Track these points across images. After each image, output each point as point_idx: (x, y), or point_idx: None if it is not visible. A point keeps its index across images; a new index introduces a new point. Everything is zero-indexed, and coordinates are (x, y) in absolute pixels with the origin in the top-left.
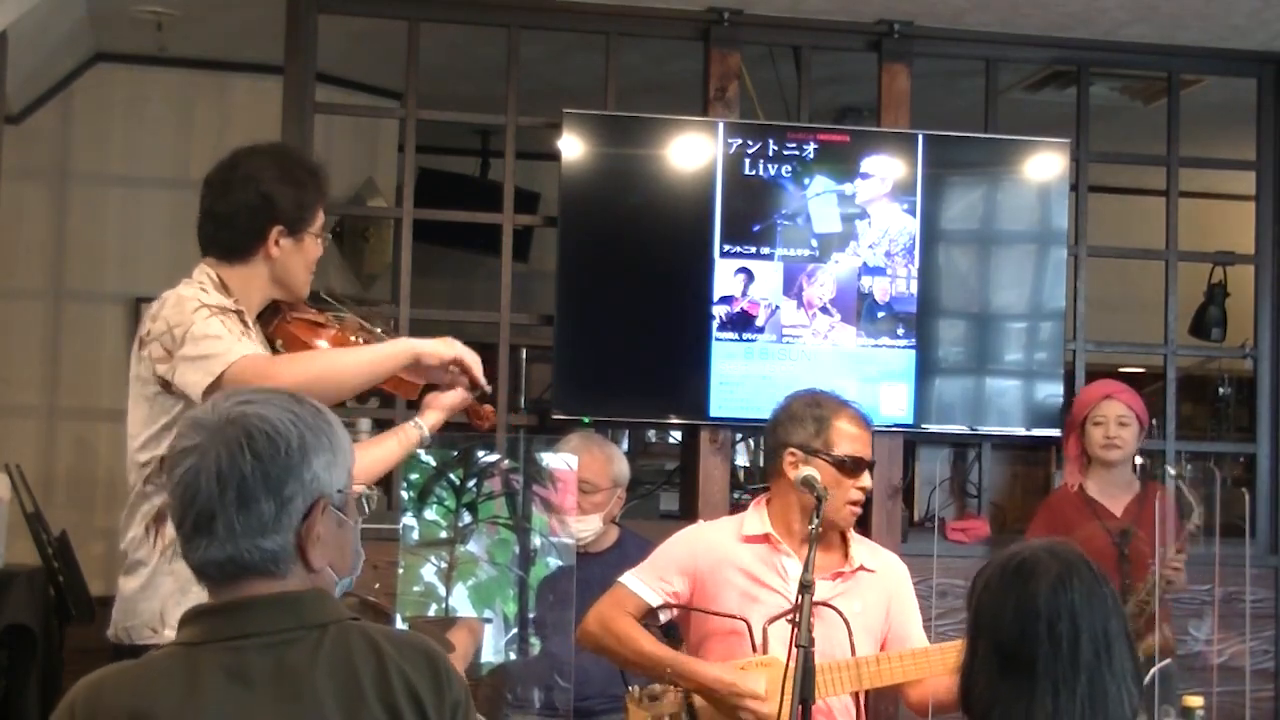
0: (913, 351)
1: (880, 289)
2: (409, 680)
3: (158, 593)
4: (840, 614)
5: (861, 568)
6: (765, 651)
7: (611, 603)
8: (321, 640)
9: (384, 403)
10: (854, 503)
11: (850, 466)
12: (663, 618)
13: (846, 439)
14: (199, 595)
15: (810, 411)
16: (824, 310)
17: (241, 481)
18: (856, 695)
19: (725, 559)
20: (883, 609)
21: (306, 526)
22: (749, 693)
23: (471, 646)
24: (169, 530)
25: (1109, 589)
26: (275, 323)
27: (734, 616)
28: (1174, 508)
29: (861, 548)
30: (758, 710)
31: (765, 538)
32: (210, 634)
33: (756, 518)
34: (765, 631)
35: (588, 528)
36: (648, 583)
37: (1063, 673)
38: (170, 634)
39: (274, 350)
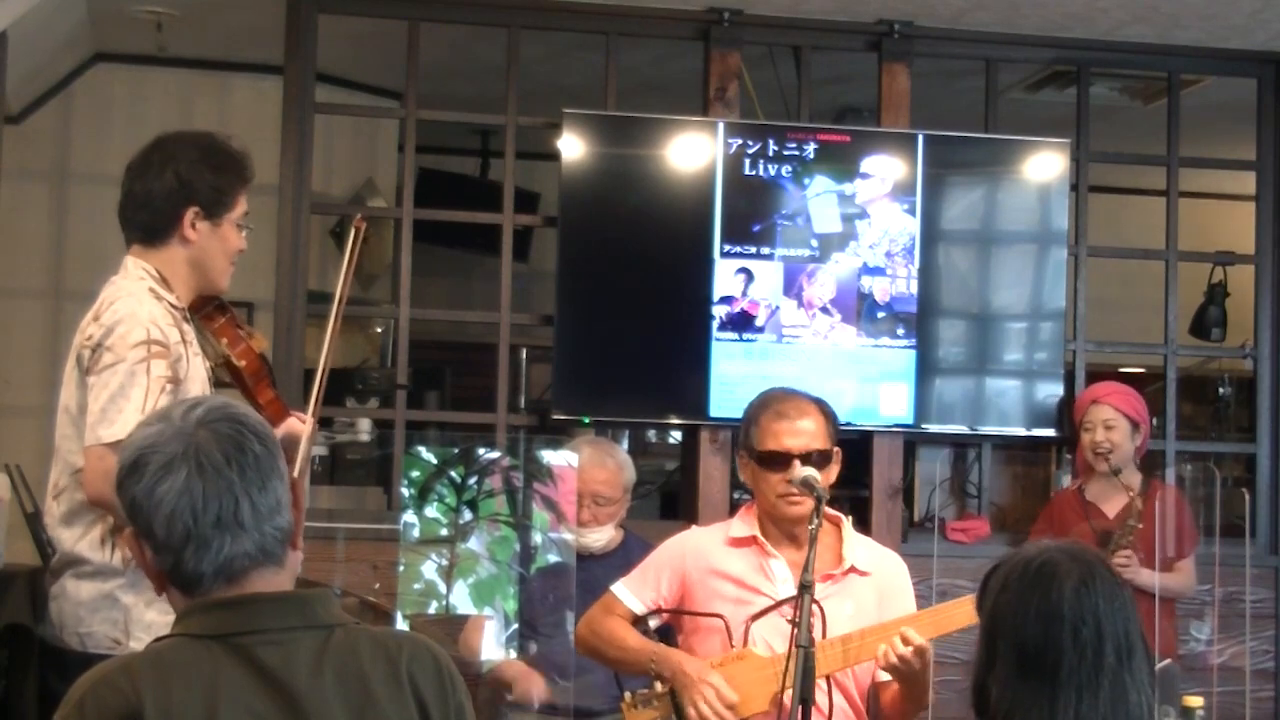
0: (913, 351)
1: (880, 289)
2: (417, 683)
3: (117, 604)
4: (821, 610)
5: (853, 569)
6: (745, 647)
7: (601, 609)
8: (327, 641)
9: (384, 402)
10: (784, 496)
11: (768, 461)
12: (653, 623)
13: (768, 435)
14: (159, 610)
15: (745, 414)
16: (824, 310)
17: (256, 461)
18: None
19: (713, 564)
20: (875, 611)
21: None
22: (700, 689)
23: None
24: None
25: (1126, 592)
26: (221, 321)
27: (715, 615)
28: (1176, 507)
29: (856, 548)
30: (712, 703)
31: (752, 540)
32: (217, 628)
33: (743, 522)
34: (747, 628)
35: (602, 537)
36: (636, 591)
37: (1086, 677)
38: (135, 645)
39: (217, 349)
